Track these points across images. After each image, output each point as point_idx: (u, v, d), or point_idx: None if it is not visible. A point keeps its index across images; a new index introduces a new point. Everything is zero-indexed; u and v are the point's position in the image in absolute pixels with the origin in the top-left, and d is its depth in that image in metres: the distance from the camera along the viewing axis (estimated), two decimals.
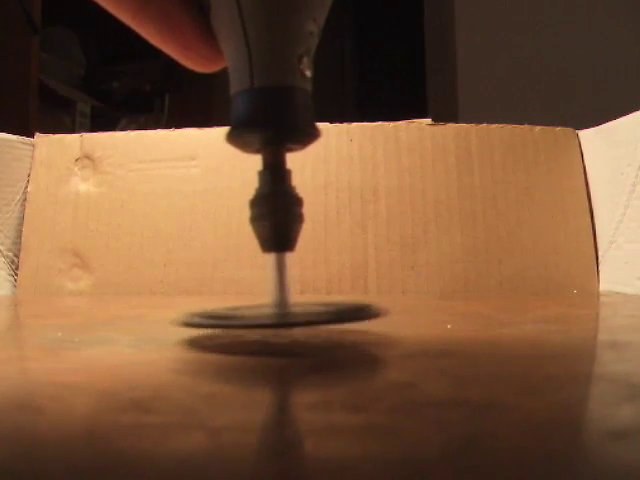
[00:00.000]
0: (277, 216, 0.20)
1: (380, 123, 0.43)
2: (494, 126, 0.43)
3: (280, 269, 0.20)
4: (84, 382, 0.16)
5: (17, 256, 0.43)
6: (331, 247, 0.41)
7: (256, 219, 0.20)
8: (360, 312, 0.21)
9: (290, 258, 0.20)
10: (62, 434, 0.12)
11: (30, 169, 0.44)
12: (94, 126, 1.22)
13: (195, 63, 0.22)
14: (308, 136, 0.21)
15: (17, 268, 0.43)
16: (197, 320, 0.20)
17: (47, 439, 0.11)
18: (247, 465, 0.10)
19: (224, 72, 0.22)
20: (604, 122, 0.41)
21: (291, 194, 0.21)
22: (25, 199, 0.44)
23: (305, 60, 0.20)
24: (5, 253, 0.42)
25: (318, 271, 0.40)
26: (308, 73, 0.20)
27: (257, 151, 0.21)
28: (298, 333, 0.24)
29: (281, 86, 0.20)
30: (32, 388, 0.16)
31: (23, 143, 0.44)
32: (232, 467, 0.10)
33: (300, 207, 0.21)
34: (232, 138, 0.20)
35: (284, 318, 0.20)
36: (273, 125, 0.20)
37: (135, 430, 0.12)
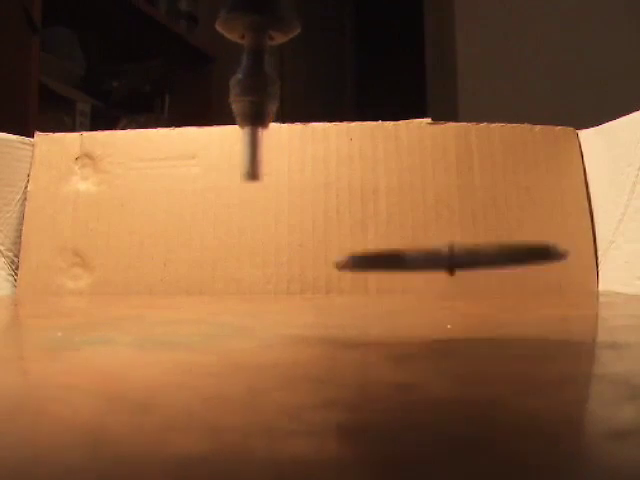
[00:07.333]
0: (253, 94, 0.21)
1: (380, 122, 0.43)
2: (494, 125, 0.43)
3: (253, 142, 0.21)
4: (84, 382, 0.16)
5: (17, 256, 0.43)
6: (331, 247, 0.41)
7: (235, 97, 0.22)
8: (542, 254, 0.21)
9: (263, 134, 0.22)
10: (62, 434, 0.12)
11: (30, 169, 0.44)
12: (94, 126, 1.22)
13: None
14: (289, 25, 0.22)
15: (17, 268, 0.43)
16: (359, 262, 0.21)
17: (47, 439, 0.11)
18: (247, 465, 0.10)
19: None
20: (604, 122, 0.41)
21: (268, 75, 0.22)
22: (25, 199, 0.44)
23: None
24: (5, 253, 0.42)
25: (318, 271, 0.40)
26: None
27: (241, 37, 0.22)
28: (300, 331, 0.24)
29: None
30: (32, 388, 0.16)
31: (23, 143, 0.44)
32: (232, 467, 0.10)
33: (276, 87, 0.22)
34: (220, 23, 0.22)
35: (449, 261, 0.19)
36: (256, 11, 0.21)
37: (135, 430, 0.12)
